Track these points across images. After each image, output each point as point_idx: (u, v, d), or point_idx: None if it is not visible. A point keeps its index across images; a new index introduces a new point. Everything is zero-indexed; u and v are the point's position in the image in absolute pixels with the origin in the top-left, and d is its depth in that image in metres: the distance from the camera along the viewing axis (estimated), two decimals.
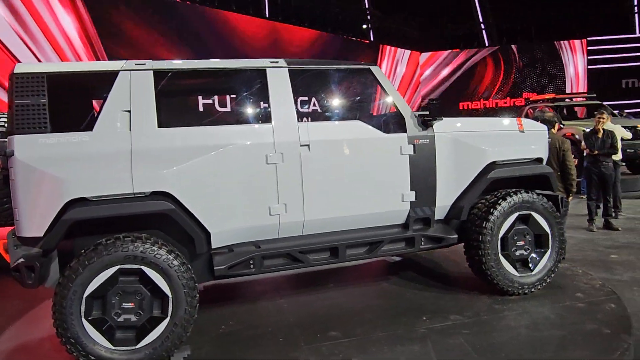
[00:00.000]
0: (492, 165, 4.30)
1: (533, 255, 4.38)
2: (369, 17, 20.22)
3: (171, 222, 3.51)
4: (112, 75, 3.54)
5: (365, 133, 4.03)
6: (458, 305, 4.21)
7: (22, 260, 3.30)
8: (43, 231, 3.33)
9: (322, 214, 3.95)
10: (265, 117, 3.82)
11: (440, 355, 3.38)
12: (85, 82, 3.59)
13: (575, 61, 21.07)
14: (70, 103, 3.57)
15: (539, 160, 4.54)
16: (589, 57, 20.85)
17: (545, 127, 4.73)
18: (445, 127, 4.22)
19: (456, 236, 4.29)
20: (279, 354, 3.51)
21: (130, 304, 3.36)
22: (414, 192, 4.14)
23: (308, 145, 3.83)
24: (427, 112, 4.15)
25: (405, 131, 4.10)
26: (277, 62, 3.91)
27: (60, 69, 3.48)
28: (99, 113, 3.49)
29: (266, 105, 3.84)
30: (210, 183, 3.60)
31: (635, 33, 21.30)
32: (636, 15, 21.02)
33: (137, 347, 3.36)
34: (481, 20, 22.41)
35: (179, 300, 3.42)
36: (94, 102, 3.70)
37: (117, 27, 8.98)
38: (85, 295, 3.27)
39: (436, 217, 4.32)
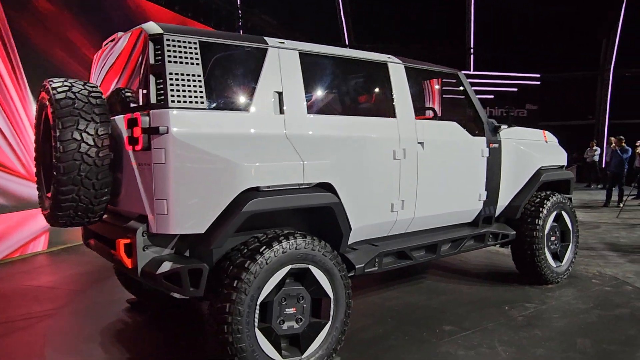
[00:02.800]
0: (540, 170, 4.89)
1: (560, 248, 5.09)
2: None
3: (317, 217, 3.21)
4: (262, 52, 3.13)
5: (460, 134, 4.25)
6: (524, 294, 4.67)
7: (180, 265, 2.68)
8: (205, 227, 2.76)
9: (427, 211, 4.02)
10: (391, 112, 3.76)
11: (552, 336, 3.73)
12: (234, 55, 3.09)
13: None
14: (220, 78, 3.01)
15: (562, 167, 5.31)
16: None
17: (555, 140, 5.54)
18: (509, 134, 4.68)
19: (515, 232, 4.75)
20: (426, 351, 3.46)
21: (292, 309, 2.98)
22: (486, 192, 4.48)
23: (422, 143, 3.89)
24: (493, 120, 4.56)
25: (484, 135, 4.43)
26: (392, 58, 3.89)
27: (211, 38, 2.94)
28: (253, 92, 3.04)
29: (389, 99, 3.79)
30: (356, 176, 3.41)
31: None
32: None
33: (302, 357, 2.98)
34: None
35: (340, 302, 3.15)
36: (236, 79, 3.16)
37: None
38: (259, 302, 2.81)
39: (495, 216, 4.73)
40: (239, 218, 2.75)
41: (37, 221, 7.66)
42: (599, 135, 20.34)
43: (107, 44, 3.53)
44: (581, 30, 20.33)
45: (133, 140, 2.79)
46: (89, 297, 4.91)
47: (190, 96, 2.78)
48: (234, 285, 2.71)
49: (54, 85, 2.91)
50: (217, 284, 2.77)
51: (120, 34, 3.29)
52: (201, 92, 2.81)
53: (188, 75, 2.78)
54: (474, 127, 4.39)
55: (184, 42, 2.81)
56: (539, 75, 20.46)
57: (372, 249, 3.67)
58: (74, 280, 6.18)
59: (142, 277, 2.76)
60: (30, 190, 7.56)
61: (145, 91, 2.78)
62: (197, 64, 2.82)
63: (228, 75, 3.08)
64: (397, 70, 3.84)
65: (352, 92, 3.78)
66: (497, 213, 4.75)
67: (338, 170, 3.25)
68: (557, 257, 5.03)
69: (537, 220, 4.73)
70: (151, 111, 2.72)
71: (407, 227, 3.98)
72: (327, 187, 3.19)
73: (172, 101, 2.72)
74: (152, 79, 2.74)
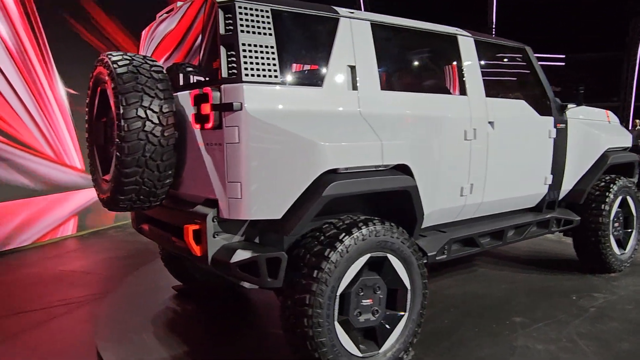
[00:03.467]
0: (606, 152, 4.61)
1: (623, 235, 4.82)
2: None
3: (388, 201, 2.98)
4: (334, 22, 2.87)
5: (529, 114, 3.97)
6: (588, 283, 4.43)
7: (257, 254, 2.47)
8: (282, 212, 2.54)
9: (495, 196, 3.78)
10: (462, 89, 3.50)
11: (632, 328, 3.50)
12: (305, 25, 2.83)
13: None
14: (292, 50, 2.77)
15: (626, 149, 5.02)
16: None
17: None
18: (575, 114, 4.39)
19: (579, 218, 4.49)
20: (502, 345, 3.25)
21: (368, 300, 2.77)
22: (552, 176, 4.21)
23: (492, 123, 3.62)
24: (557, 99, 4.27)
25: (551, 114, 4.15)
26: (459, 30, 3.61)
27: (283, 6, 2.69)
28: (326, 66, 2.79)
29: (460, 75, 3.52)
30: (429, 157, 3.17)
31: None
32: None
33: (380, 351, 2.79)
34: None
35: (417, 292, 2.94)
36: (308, 51, 2.92)
37: None
38: (339, 293, 2.60)
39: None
40: (319, 202, 2.53)
41: (67, 205, 7.54)
42: (623, 117, 19.79)
43: (162, 16, 3.28)
44: (607, 9, 19.66)
45: (201, 118, 2.57)
46: (129, 284, 4.75)
47: (264, 69, 2.54)
48: (314, 275, 2.49)
49: (114, 58, 2.68)
50: (294, 273, 2.56)
51: (179, 4, 3.04)
52: (275, 65, 2.57)
53: (261, 46, 2.54)
54: (541, 106, 4.10)
55: (256, 10, 2.56)
56: (563, 56, 19.88)
57: (442, 236, 3.45)
58: (108, 265, 6.06)
59: (213, 265, 2.56)
60: (58, 173, 7.43)
61: (214, 64, 2.55)
62: (270, 34, 2.58)
63: (300, 47, 2.84)
64: (466, 44, 3.56)
65: (423, 67, 3.52)
66: (560, 197, 4.50)
67: (413, 151, 3.01)
68: (621, 244, 4.77)
69: (603, 205, 4.46)
70: (223, 86, 2.49)
71: (473, 213, 3.74)
72: (402, 169, 2.95)
73: (246, 75, 2.48)
74: (222, 50, 2.50)
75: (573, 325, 3.55)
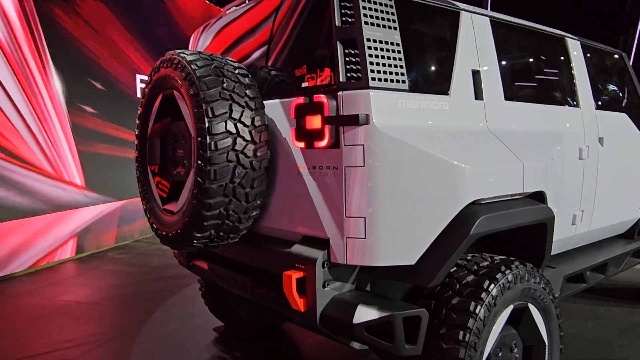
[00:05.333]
0: None
1: None
2: None
3: (516, 235, 2.44)
4: (455, 16, 2.34)
5: (631, 129, 3.51)
6: None
7: (389, 312, 1.88)
8: (417, 255, 1.97)
9: (601, 223, 3.28)
10: (576, 100, 3.00)
11: None
12: (426, 19, 2.29)
13: None
14: (416, 48, 2.21)
15: None
16: None
17: None
18: None
19: None
20: None
21: None
22: None
23: (602, 139, 3.14)
24: None
25: None
26: (566, 34, 3.13)
27: None
28: (451, 69, 2.25)
29: (572, 84, 3.02)
30: (557, 182, 2.65)
31: None
32: None
33: None
34: None
35: (554, 349, 2.39)
36: (432, 50, 2.36)
37: None
38: (485, 358, 2.03)
39: None
40: (466, 243, 1.97)
41: (66, 225, 6.82)
42: None
43: (230, 9, 2.69)
44: (599, 26, 19.77)
45: (306, 135, 1.99)
46: (156, 322, 4.09)
47: (391, 72, 1.98)
48: (460, 337, 1.93)
49: (190, 58, 2.09)
50: (428, 334, 1.99)
51: None
52: (402, 67, 2.02)
53: (387, 42, 1.99)
54: (637, 119, 3.64)
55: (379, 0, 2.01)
56: None
57: (555, 273, 2.91)
58: (116, 294, 5.38)
59: (323, 324, 1.97)
60: (57, 190, 6.71)
61: (326, 66, 1.98)
62: (395, 28, 2.03)
63: (423, 45, 2.29)
64: (575, 48, 3.08)
65: (539, 74, 3.01)
66: None
67: (547, 175, 2.48)
68: None
69: None
70: (341, 92, 1.92)
71: (577, 243, 3.23)
72: (537, 197, 2.42)
73: (373, 79, 1.92)
74: (339, 47, 1.93)
75: None
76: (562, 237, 2.96)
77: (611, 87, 3.62)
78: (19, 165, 6.02)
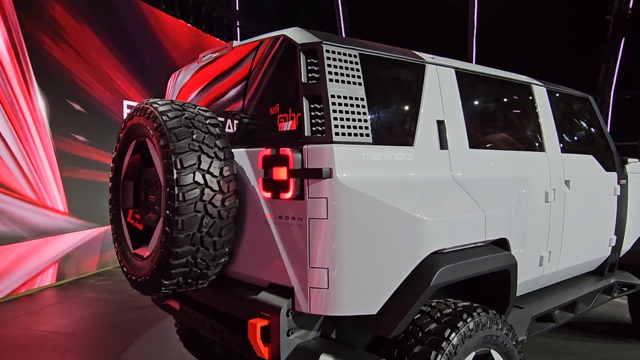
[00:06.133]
0: None
1: None
2: None
3: (480, 282, 2.51)
4: (420, 69, 2.44)
5: (597, 170, 3.61)
6: None
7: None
8: (379, 305, 2.02)
9: (568, 263, 3.36)
10: (541, 144, 3.10)
11: None
12: (391, 73, 2.38)
13: None
14: (379, 102, 2.29)
15: None
16: None
17: None
18: (636, 169, 4.07)
19: None
20: None
21: None
22: (616, 237, 3.84)
23: (568, 182, 3.23)
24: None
25: (614, 170, 3.81)
26: (530, 78, 3.25)
27: (371, 50, 2.23)
28: (415, 121, 2.34)
29: (537, 129, 3.13)
30: (520, 226, 2.73)
31: None
32: None
33: None
34: None
35: None
36: (396, 103, 2.44)
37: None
38: None
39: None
40: (427, 293, 2.03)
41: (47, 251, 6.78)
42: None
43: (206, 57, 2.77)
44: (580, 54, 20.26)
45: (273, 185, 2.05)
46: (130, 355, 4.07)
47: (355, 126, 2.06)
48: None
49: (162, 108, 2.15)
50: None
51: (235, 43, 2.54)
52: (366, 120, 2.10)
53: (351, 98, 2.07)
54: (606, 160, 3.76)
55: (345, 54, 2.10)
56: None
57: (522, 314, 2.97)
58: (95, 324, 5.33)
59: None
60: (40, 217, 6.70)
61: (292, 119, 2.05)
62: (360, 84, 2.12)
63: (388, 98, 2.38)
64: (541, 94, 3.20)
65: (503, 120, 3.12)
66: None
67: (510, 221, 2.56)
68: None
69: None
70: (306, 146, 1.99)
71: (545, 282, 3.30)
72: (500, 243, 2.50)
73: (336, 133, 1.99)
74: (305, 103, 2.01)
75: None
76: (530, 278, 3.03)
77: (578, 130, 3.75)
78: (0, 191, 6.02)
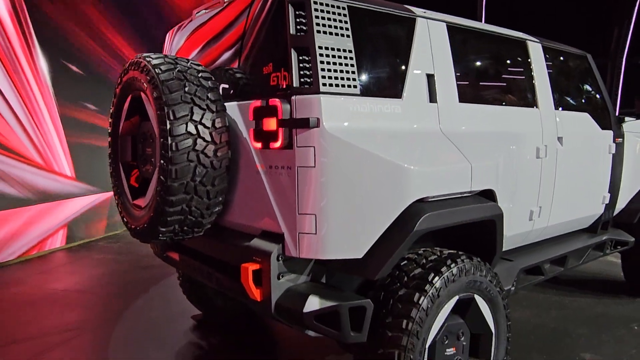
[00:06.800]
0: None
1: None
2: None
3: (466, 231, 2.59)
4: (411, 22, 2.46)
5: (592, 128, 3.63)
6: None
7: (336, 302, 2.03)
8: (364, 250, 2.12)
9: (559, 219, 3.42)
10: (533, 100, 3.13)
11: None
12: (381, 26, 2.41)
13: None
14: (368, 54, 2.32)
15: None
16: None
17: None
18: (631, 128, 4.08)
19: (634, 239, 4.17)
20: None
21: (452, 349, 2.37)
22: (609, 195, 3.89)
23: (561, 139, 3.27)
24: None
25: (611, 128, 3.83)
26: (526, 35, 3.25)
27: (360, 3, 2.26)
28: (404, 74, 2.38)
29: (531, 85, 3.15)
30: (509, 180, 2.79)
31: None
32: None
33: None
34: None
35: (501, 337, 2.55)
36: (385, 56, 2.47)
37: None
38: (428, 345, 2.19)
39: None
40: (410, 238, 2.12)
41: (56, 215, 6.96)
42: None
43: (200, 12, 2.80)
44: (592, 16, 19.69)
45: (263, 136, 2.13)
46: (138, 309, 4.24)
47: (342, 78, 2.11)
48: (403, 326, 2.08)
49: (154, 62, 2.21)
50: (376, 324, 2.14)
51: None
52: (353, 72, 2.15)
53: (339, 50, 2.11)
54: (602, 119, 3.77)
55: (333, 6, 2.13)
56: None
57: (511, 266, 3.07)
58: (105, 282, 5.53)
59: (277, 313, 2.12)
60: (47, 181, 6.84)
61: (281, 71, 2.11)
62: (348, 36, 2.15)
63: (377, 51, 2.41)
64: (536, 50, 3.20)
65: (495, 76, 3.14)
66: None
67: (497, 174, 2.62)
68: None
69: None
70: (294, 97, 2.05)
71: (536, 237, 3.38)
72: (486, 195, 2.57)
73: (324, 84, 2.05)
74: (293, 54, 2.06)
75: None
76: (519, 232, 3.10)
77: (574, 87, 3.75)
78: (8, 156, 6.14)
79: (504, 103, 3.01)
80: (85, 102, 7.39)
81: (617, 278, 4.74)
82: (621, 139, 3.92)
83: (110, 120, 2.65)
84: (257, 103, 2.13)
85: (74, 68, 7.21)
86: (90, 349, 3.84)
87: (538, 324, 3.85)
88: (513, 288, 3.06)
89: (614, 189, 3.92)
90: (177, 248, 2.91)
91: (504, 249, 3.10)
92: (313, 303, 2.04)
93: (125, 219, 2.55)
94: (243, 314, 3.86)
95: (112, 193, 7.94)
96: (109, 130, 2.68)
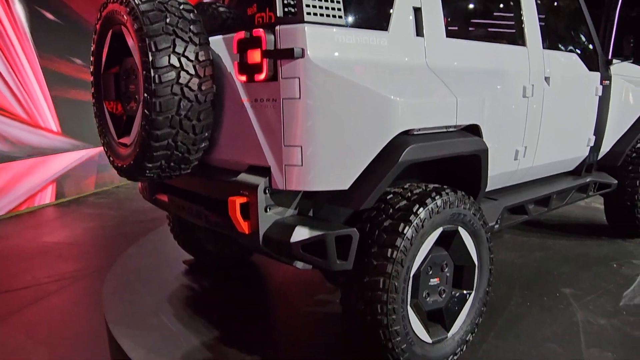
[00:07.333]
0: None
1: None
2: None
3: (450, 167, 2.62)
4: None
5: (580, 69, 3.63)
6: (622, 249, 4.25)
7: (323, 232, 2.07)
8: (350, 181, 2.14)
9: (544, 159, 3.46)
10: (522, 38, 3.10)
11: None
12: None
13: None
14: None
15: None
16: None
17: None
18: (619, 70, 4.08)
19: (617, 182, 4.25)
20: (563, 321, 3.01)
21: (435, 279, 2.45)
22: (594, 137, 3.93)
23: (548, 79, 3.27)
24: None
25: (598, 70, 3.83)
26: None
27: None
28: (390, 5, 2.34)
29: (519, 22, 3.11)
30: (494, 117, 2.80)
31: None
32: None
33: (449, 335, 2.48)
34: None
35: (484, 269, 2.63)
36: None
37: None
38: (412, 274, 2.25)
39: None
40: (395, 169, 2.14)
41: (43, 170, 6.92)
42: None
43: None
44: None
45: (247, 68, 2.10)
46: (130, 257, 4.29)
47: (327, 7, 2.07)
48: (389, 255, 2.13)
49: None
50: (362, 253, 2.19)
51: None
52: (339, 2, 2.11)
53: None
54: (590, 60, 3.76)
55: None
56: None
57: (495, 204, 3.13)
58: (96, 235, 5.58)
59: (265, 245, 2.16)
60: (32, 136, 6.76)
61: (267, 1, 2.06)
62: None
63: None
64: None
65: (483, 11, 3.09)
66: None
67: (482, 110, 2.63)
68: None
69: None
70: (278, 27, 2.02)
71: (521, 178, 3.43)
72: (471, 130, 2.58)
73: (308, 13, 2.01)
74: None
75: (626, 296, 3.35)
76: (504, 171, 3.15)
77: (563, 27, 3.72)
78: None
79: (491, 40, 2.98)
80: (70, 56, 7.20)
81: (599, 222, 4.86)
82: (608, 82, 3.93)
83: (91, 59, 2.60)
84: (241, 35, 2.09)
85: (56, 21, 6.99)
86: (86, 295, 3.92)
87: (522, 264, 3.97)
88: (497, 225, 3.13)
89: (599, 131, 3.96)
90: (165, 190, 2.92)
91: (489, 189, 3.16)
92: (300, 233, 2.08)
93: (111, 158, 2.54)
94: (234, 257, 3.92)
95: (99, 148, 7.88)
96: (91, 70, 2.63)
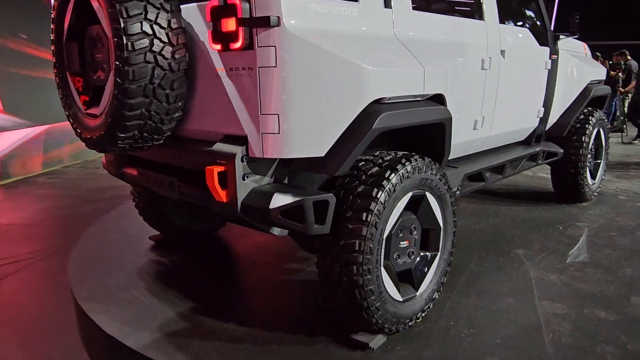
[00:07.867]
0: (589, 85, 4.63)
1: (594, 166, 4.99)
2: None
3: (415, 135, 2.74)
4: None
5: (531, 43, 3.82)
6: (567, 214, 4.57)
7: (301, 197, 2.13)
8: (326, 148, 2.21)
9: (500, 129, 3.66)
10: (480, 12, 3.23)
11: (626, 255, 3.65)
12: None
13: None
14: None
15: (600, 81, 5.08)
16: None
17: None
18: (565, 45, 4.32)
19: (562, 150, 4.54)
20: (517, 278, 3.24)
21: (405, 242, 2.58)
22: (543, 109, 4.18)
23: (504, 52, 3.43)
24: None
25: (547, 45, 4.04)
26: None
27: None
28: None
29: None
30: (456, 88, 2.93)
31: None
32: None
33: (417, 293, 2.63)
34: None
35: (448, 231, 2.79)
36: None
37: None
38: (385, 236, 2.37)
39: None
40: (369, 136, 2.23)
41: None
42: None
43: None
44: None
45: (222, 37, 2.10)
46: (93, 235, 4.20)
47: None
48: (363, 218, 2.23)
49: None
50: (338, 218, 2.27)
51: None
52: None
53: None
54: (540, 35, 3.97)
55: None
56: None
57: (456, 171, 3.29)
58: (51, 215, 5.40)
59: (244, 212, 2.21)
60: None
61: None
62: None
63: None
64: None
65: None
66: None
67: (447, 80, 2.75)
68: (592, 174, 4.95)
69: (583, 137, 4.55)
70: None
71: (478, 147, 3.62)
72: (437, 100, 2.70)
73: None
74: None
75: (572, 254, 3.64)
76: (465, 140, 3.31)
77: (516, 3, 3.89)
78: None
79: (454, 13, 3.10)
80: (14, 29, 6.79)
81: (546, 190, 5.19)
82: (556, 56, 4.17)
83: (52, 27, 2.50)
84: (215, 2, 2.09)
85: None
86: (48, 275, 3.82)
87: (478, 229, 4.21)
88: (458, 192, 3.30)
89: (547, 103, 4.21)
90: (134, 163, 2.88)
91: (450, 157, 3.32)
92: (279, 199, 2.14)
93: (78, 130, 2.48)
94: (202, 232, 3.92)
95: (45, 126, 7.56)
96: (52, 38, 2.53)
